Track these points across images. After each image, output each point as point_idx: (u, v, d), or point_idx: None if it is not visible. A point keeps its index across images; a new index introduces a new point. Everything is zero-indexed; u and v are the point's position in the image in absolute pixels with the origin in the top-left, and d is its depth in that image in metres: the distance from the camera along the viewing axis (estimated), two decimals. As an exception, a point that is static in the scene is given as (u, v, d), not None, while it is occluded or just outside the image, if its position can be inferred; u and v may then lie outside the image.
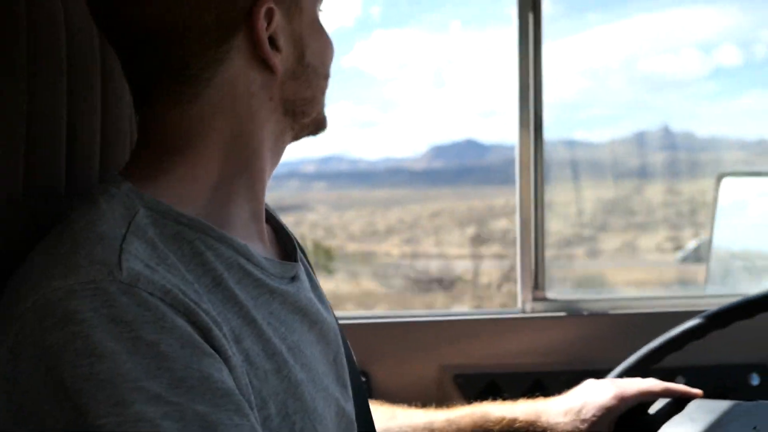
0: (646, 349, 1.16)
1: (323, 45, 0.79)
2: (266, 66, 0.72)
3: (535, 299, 1.60)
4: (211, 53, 0.69)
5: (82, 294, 0.57)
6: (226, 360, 0.60)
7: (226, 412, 0.56)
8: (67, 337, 0.55)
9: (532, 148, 1.60)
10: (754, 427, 0.94)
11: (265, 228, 0.83)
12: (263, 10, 0.69)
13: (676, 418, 1.03)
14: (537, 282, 1.61)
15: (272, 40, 0.71)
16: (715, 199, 1.91)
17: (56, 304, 0.56)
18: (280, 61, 0.73)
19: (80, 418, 0.53)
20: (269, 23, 0.71)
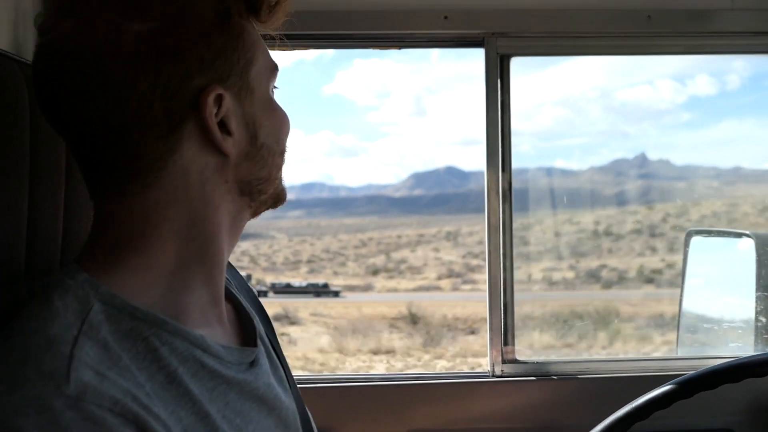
0: (611, 418, 1.17)
1: (277, 123, 0.79)
2: (218, 151, 0.72)
3: (504, 361, 1.60)
4: (161, 144, 0.69)
5: (26, 411, 0.56)
6: None
7: None
8: None
9: (501, 214, 1.61)
10: None
11: (227, 307, 0.83)
12: (211, 98, 0.69)
13: None
14: (506, 340, 1.61)
15: (223, 124, 0.72)
16: (685, 256, 1.93)
17: (1, 423, 0.56)
18: (232, 144, 0.73)
19: None
20: (219, 108, 0.71)
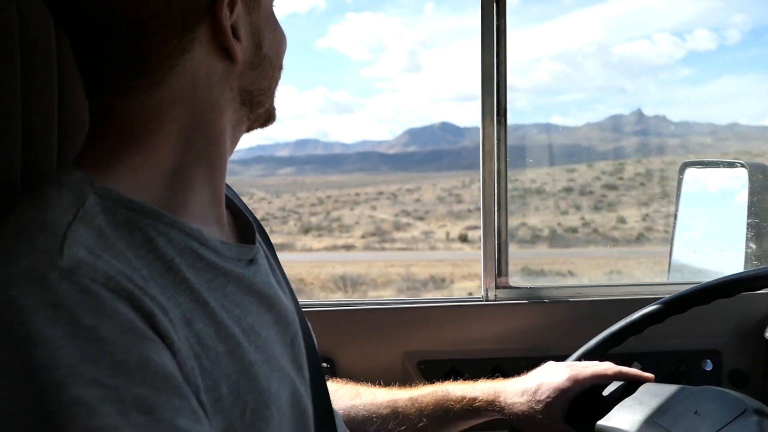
0: (606, 332, 1.19)
1: (278, 37, 0.81)
2: (227, 55, 0.74)
3: (498, 287, 1.62)
4: (174, 42, 0.70)
5: (21, 281, 0.57)
6: (170, 345, 0.61)
7: (165, 395, 0.57)
8: (6, 325, 0.55)
9: (495, 139, 1.61)
10: (695, 412, 0.98)
11: (225, 213, 0.84)
12: (226, 1, 0.71)
13: (626, 401, 1.06)
14: (500, 270, 1.63)
15: (233, 31, 0.74)
16: (679, 188, 1.95)
17: None
18: (240, 50, 0.75)
19: (20, 404, 0.53)
20: (231, 13, 0.73)
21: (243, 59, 0.76)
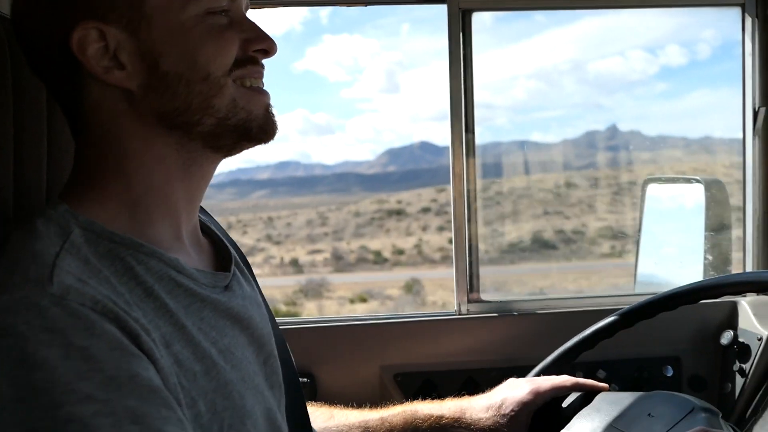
0: (560, 349, 1.26)
1: (191, 47, 0.75)
2: (116, 85, 0.75)
3: (470, 301, 1.69)
4: (69, 85, 0.76)
5: (15, 309, 0.62)
6: (154, 362, 0.66)
7: (154, 405, 0.62)
8: (3, 351, 0.60)
9: (464, 159, 1.69)
10: (649, 414, 1.05)
11: (204, 241, 0.88)
12: (83, 35, 0.73)
13: (584, 410, 1.13)
14: (471, 284, 1.70)
15: (116, 58, 0.74)
16: (642, 202, 2.04)
17: None
18: (126, 77, 0.74)
19: (18, 425, 0.58)
20: (106, 43, 0.73)
21: (137, 84, 0.74)
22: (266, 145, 0.83)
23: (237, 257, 0.92)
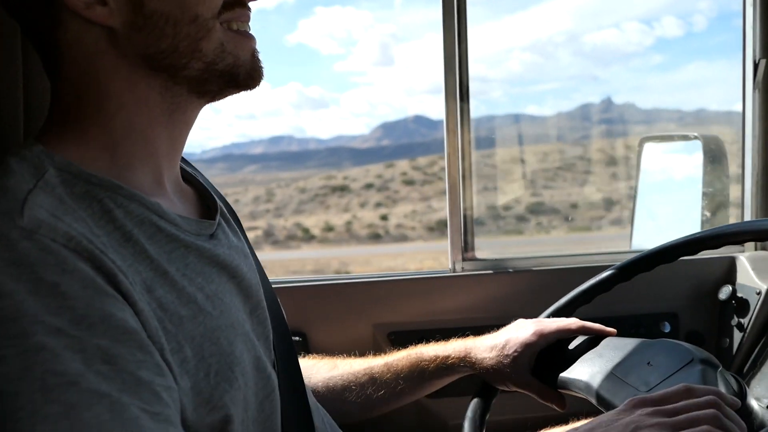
0: (575, 291, 1.24)
1: None
2: (97, 22, 0.70)
3: (465, 259, 1.67)
4: (46, 19, 0.71)
5: None
6: (132, 304, 0.63)
7: (127, 347, 0.60)
8: None
9: (459, 115, 1.65)
10: (648, 363, 1.03)
11: (188, 189, 0.85)
12: None
13: (587, 354, 1.11)
14: (466, 243, 1.67)
15: None
16: (638, 162, 2.01)
17: None
18: (109, 14, 0.70)
19: None
20: None
21: (121, 22, 0.70)
22: (251, 91, 0.80)
23: (224, 208, 0.89)
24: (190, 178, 0.89)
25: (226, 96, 0.80)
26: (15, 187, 0.64)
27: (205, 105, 0.80)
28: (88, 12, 0.70)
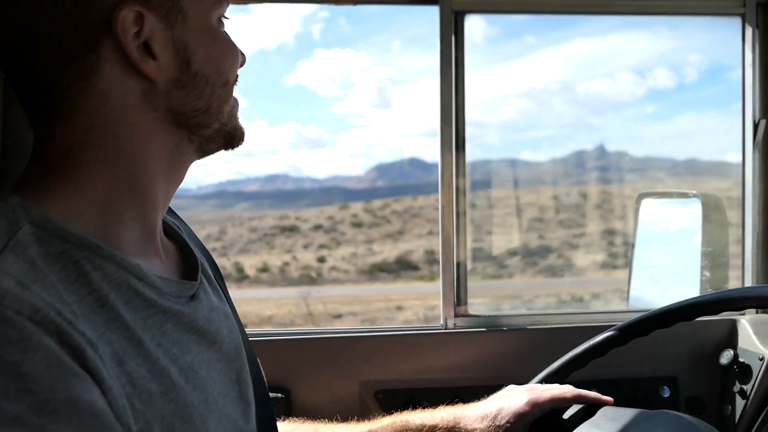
0: (569, 355, 1.19)
1: (218, 51, 0.75)
2: (144, 75, 0.69)
3: (457, 315, 1.61)
4: (77, 65, 0.67)
5: None
6: (100, 382, 0.58)
7: None
8: None
9: (454, 167, 1.62)
10: None
11: (169, 245, 0.81)
12: (126, 16, 0.67)
13: (584, 425, 1.06)
14: (459, 298, 1.62)
15: (148, 47, 0.69)
16: (636, 218, 1.97)
17: None
18: (157, 68, 0.70)
19: None
20: (140, 29, 0.68)
21: (165, 78, 0.71)
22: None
23: (205, 264, 0.85)
24: (172, 231, 0.85)
25: (214, 153, 0.81)
26: None
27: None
28: (142, 65, 0.69)
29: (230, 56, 0.77)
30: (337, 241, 34.06)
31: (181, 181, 0.80)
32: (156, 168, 0.74)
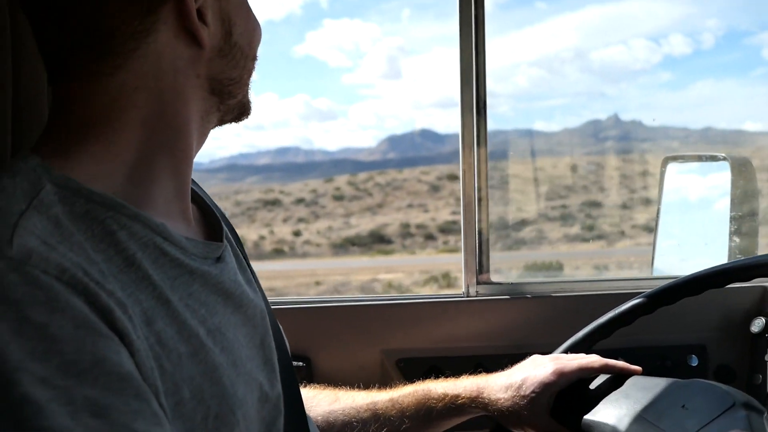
0: (594, 323, 1.17)
1: (251, 26, 0.78)
2: (193, 41, 0.71)
3: (479, 282, 1.58)
4: (137, 23, 0.67)
5: None
6: (128, 344, 0.57)
7: (121, 396, 0.54)
8: None
9: (475, 132, 1.57)
10: (683, 406, 0.94)
11: (192, 208, 0.81)
12: None
13: (612, 395, 1.03)
14: (481, 265, 1.59)
15: (200, 14, 0.70)
16: (661, 182, 1.92)
17: None
18: (207, 36, 0.71)
19: None
20: None
21: (211, 45, 0.72)
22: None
23: (227, 230, 0.84)
24: (195, 195, 0.85)
25: (224, 125, 0.83)
26: (5, 209, 0.59)
27: None
28: (197, 29, 0.70)
29: (258, 31, 0.81)
30: (316, 214, 34.32)
31: (200, 146, 0.80)
32: (192, 131, 0.75)
